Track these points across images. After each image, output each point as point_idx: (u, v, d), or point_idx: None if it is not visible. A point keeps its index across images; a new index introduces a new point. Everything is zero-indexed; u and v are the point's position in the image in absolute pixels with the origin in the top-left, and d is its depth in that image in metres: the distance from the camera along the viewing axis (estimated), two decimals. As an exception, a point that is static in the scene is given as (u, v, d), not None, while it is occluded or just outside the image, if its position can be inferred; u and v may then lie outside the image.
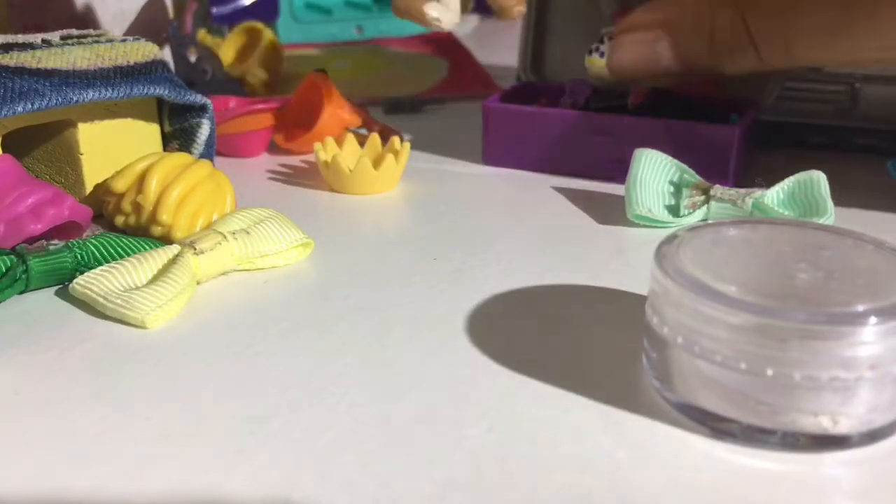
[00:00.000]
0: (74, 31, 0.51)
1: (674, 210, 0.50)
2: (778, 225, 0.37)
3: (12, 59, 0.46)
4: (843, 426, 0.30)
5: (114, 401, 0.33)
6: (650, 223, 0.49)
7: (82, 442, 0.31)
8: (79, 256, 0.41)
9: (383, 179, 0.56)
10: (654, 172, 0.50)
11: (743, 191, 0.48)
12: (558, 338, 0.38)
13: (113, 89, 0.48)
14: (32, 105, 0.44)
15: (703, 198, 0.49)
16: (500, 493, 0.28)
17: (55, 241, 0.42)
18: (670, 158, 0.51)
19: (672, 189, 0.51)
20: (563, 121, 0.59)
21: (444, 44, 0.95)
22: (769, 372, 0.29)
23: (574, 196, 0.56)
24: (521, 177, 0.59)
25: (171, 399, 0.33)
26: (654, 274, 0.33)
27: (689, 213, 0.49)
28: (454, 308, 0.40)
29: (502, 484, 0.29)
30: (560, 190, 0.57)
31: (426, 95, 0.80)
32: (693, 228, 0.35)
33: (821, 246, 0.34)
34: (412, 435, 0.31)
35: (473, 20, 1.23)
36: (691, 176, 0.51)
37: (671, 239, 0.34)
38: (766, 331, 0.29)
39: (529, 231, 0.50)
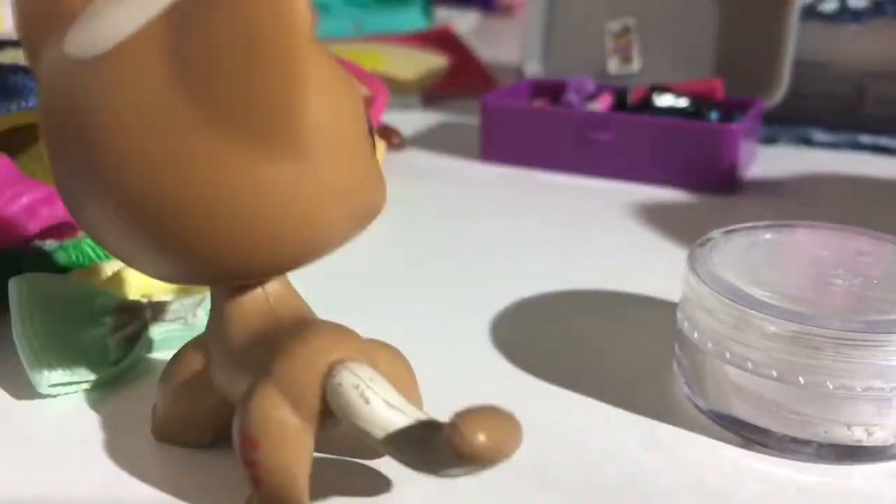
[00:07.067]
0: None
1: (104, 352, 0.34)
2: (816, 229, 0.36)
3: (6, 57, 0.46)
4: (878, 437, 0.29)
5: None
6: (73, 388, 0.32)
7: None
8: (73, 256, 0.41)
9: None
10: (38, 304, 0.34)
11: (190, 301, 0.35)
12: (584, 343, 0.37)
13: (109, 87, 0.47)
14: (27, 103, 0.44)
15: (136, 324, 0.34)
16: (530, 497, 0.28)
17: (50, 241, 0.41)
18: (62, 277, 0.35)
19: (91, 317, 0.35)
20: (561, 118, 0.59)
21: (445, 41, 0.95)
22: (801, 380, 0.28)
23: (572, 194, 0.55)
24: (519, 174, 0.59)
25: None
26: (685, 278, 0.32)
27: (131, 353, 0.34)
28: (467, 310, 0.40)
29: (533, 489, 0.28)
30: (558, 188, 0.56)
31: (426, 92, 0.79)
32: (728, 231, 0.34)
33: (860, 251, 0.33)
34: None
35: (474, 17, 1.23)
36: (107, 297, 0.35)
37: (704, 242, 0.33)
38: (800, 338, 0.28)
39: (531, 230, 0.50)
